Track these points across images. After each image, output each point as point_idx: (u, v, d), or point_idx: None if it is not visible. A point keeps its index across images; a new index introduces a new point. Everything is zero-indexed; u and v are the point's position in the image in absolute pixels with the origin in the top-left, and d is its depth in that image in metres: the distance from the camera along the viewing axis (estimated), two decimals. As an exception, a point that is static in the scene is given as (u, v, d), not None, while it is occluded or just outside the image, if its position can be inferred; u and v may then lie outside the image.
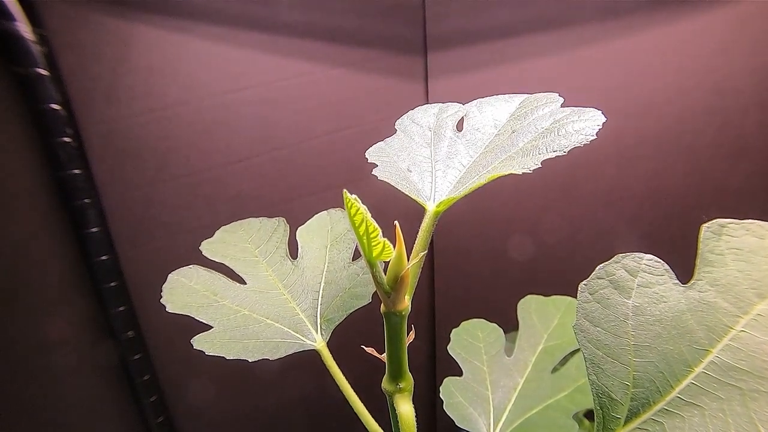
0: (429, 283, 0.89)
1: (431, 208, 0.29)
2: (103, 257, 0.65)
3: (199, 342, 0.34)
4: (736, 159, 0.87)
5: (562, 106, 0.30)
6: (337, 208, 0.42)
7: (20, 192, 0.60)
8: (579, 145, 0.26)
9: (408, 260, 0.27)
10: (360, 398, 0.34)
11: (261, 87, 0.69)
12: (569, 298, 0.53)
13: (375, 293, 0.32)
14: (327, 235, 0.41)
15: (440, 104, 0.36)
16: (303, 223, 0.43)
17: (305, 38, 0.69)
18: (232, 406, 0.83)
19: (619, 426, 0.24)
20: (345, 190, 0.24)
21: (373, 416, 0.34)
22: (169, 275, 0.39)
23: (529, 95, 0.32)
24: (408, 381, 0.30)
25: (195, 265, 0.40)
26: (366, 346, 0.32)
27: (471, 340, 0.51)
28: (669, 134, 0.84)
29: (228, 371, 0.79)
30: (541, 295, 0.54)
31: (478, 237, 0.86)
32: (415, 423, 0.30)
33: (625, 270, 0.25)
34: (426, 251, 0.28)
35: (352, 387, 0.34)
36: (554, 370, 0.48)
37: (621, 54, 0.78)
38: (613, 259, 0.25)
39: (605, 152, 0.84)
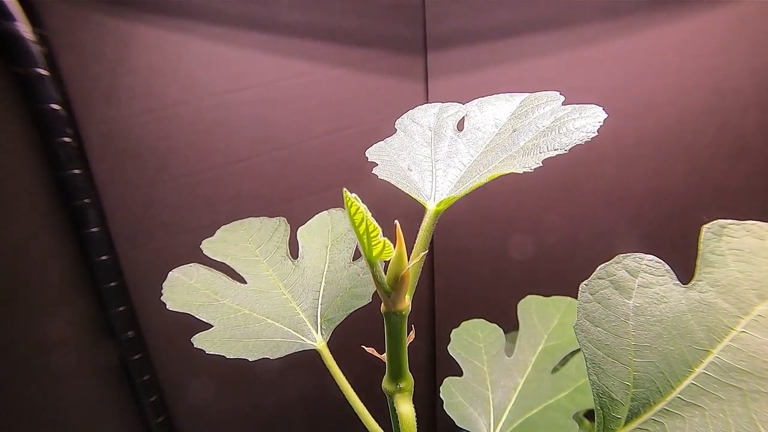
0: (429, 283, 0.89)
1: (432, 207, 0.29)
2: (103, 257, 0.65)
3: (200, 340, 0.34)
4: (736, 159, 0.87)
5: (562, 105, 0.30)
6: (337, 208, 0.42)
7: (20, 192, 0.60)
8: (580, 142, 0.26)
9: (408, 260, 0.27)
10: (360, 398, 0.34)
11: (261, 87, 0.69)
12: (569, 298, 0.53)
13: (375, 293, 0.31)
14: (327, 234, 0.41)
15: (440, 104, 0.35)
16: (303, 223, 0.43)
17: (305, 38, 0.69)
18: (232, 405, 0.83)
19: (619, 426, 0.24)
20: (345, 189, 0.24)
21: (373, 416, 0.34)
22: (170, 273, 0.39)
23: (530, 94, 0.32)
24: (408, 381, 0.30)
25: (196, 264, 0.39)
26: (366, 346, 0.32)
27: (471, 340, 0.51)
28: (669, 134, 0.83)
29: (228, 371, 0.79)
30: (542, 295, 0.54)
31: (478, 237, 0.86)
32: (415, 423, 0.29)
33: (626, 270, 0.25)
34: (426, 251, 0.28)
35: (352, 387, 0.34)
36: (554, 370, 0.48)
37: (621, 54, 0.78)
38: (613, 259, 0.25)
39: (605, 152, 0.84)
